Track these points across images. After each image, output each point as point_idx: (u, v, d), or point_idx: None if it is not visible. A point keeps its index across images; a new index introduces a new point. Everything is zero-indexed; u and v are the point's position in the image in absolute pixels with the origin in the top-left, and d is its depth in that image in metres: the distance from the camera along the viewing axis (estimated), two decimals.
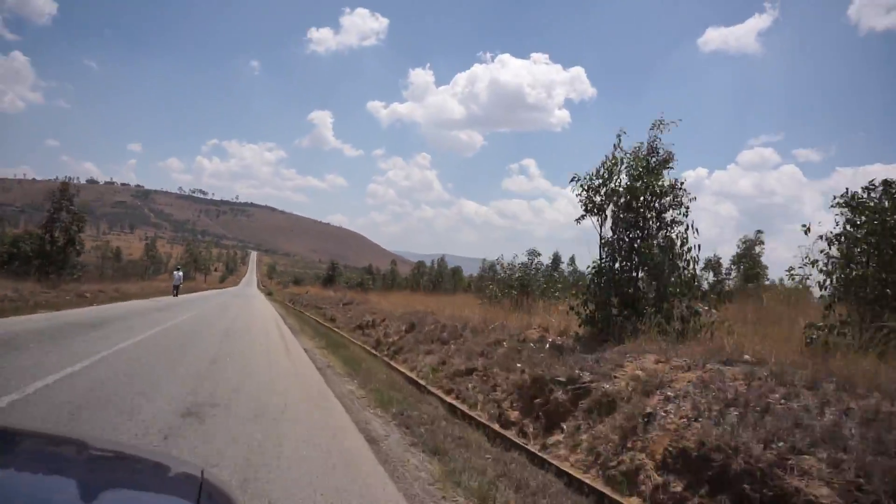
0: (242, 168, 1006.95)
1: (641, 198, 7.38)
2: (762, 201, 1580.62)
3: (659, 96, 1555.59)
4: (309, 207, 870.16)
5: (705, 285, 8.72)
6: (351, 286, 47.20)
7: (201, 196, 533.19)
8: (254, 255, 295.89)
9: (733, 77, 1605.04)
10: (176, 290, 33.27)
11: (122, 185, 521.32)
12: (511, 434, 5.96)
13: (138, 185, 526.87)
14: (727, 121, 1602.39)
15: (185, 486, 1.15)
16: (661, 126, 7.75)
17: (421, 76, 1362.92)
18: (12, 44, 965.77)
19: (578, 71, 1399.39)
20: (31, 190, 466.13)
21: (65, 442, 1.48)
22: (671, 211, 7.48)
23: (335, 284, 59.86)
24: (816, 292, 6.89)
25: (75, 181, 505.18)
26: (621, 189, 7.52)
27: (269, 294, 53.77)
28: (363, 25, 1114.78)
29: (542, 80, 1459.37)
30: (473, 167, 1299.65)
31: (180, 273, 38.15)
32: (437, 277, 53.94)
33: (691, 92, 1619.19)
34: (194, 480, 1.13)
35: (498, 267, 19.32)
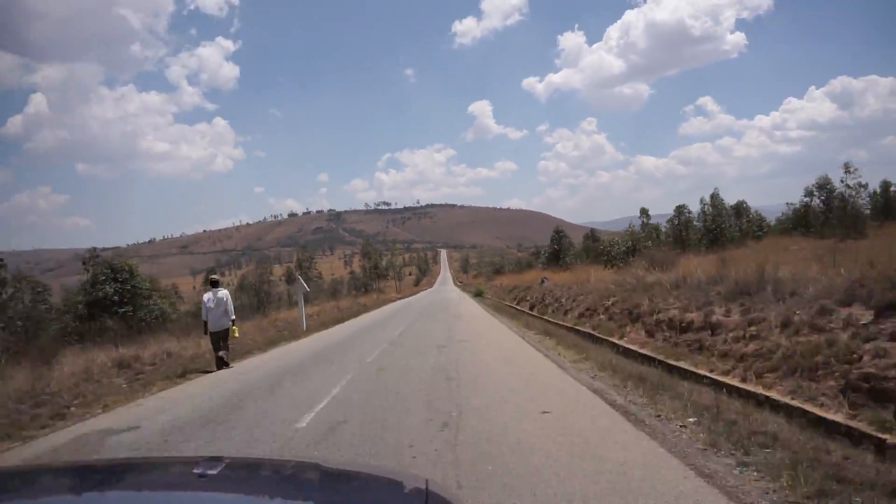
0: (417, 174, 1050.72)
1: None
2: None
3: None
4: (485, 198, 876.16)
5: None
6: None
7: (385, 207, 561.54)
8: (443, 252, 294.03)
9: None
10: (219, 348, 10.42)
11: (318, 212, 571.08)
12: None
13: (330, 210, 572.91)
14: None
15: (412, 498, 1.21)
16: None
17: (571, 39, 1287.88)
18: (213, 112, 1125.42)
19: None
20: (246, 233, 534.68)
21: (299, 466, 1.57)
22: None
23: (558, 262, 42.60)
24: None
25: (280, 217, 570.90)
26: None
27: (477, 295, 37.73)
28: (504, 4, 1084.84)
29: (704, 6, 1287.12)
30: (644, 120, 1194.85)
31: (221, 296, 10.77)
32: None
33: None
34: (420, 492, 1.19)
35: None
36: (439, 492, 1.21)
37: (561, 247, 51.32)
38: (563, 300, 17.06)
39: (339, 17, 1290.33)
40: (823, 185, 41.14)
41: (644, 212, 49.94)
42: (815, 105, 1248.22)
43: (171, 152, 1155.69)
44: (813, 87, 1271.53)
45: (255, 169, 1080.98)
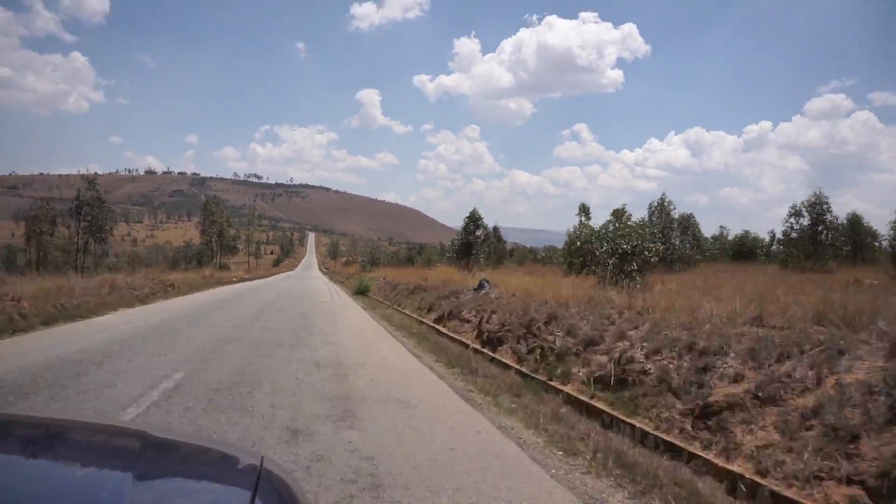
0: (295, 152, 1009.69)
1: None
2: (833, 152, 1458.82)
3: (720, 47, 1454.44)
4: (362, 187, 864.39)
5: None
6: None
7: (256, 180, 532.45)
8: (311, 235, 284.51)
9: (804, 20, 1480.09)
10: None
11: (180, 173, 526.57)
12: None
13: (195, 174, 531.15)
14: (794, 69, 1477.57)
15: (244, 474, 1.15)
16: None
17: (467, 45, 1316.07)
18: (72, 45, 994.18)
19: (630, 28, 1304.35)
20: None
21: (124, 433, 1.52)
22: None
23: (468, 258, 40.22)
24: None
25: (134, 172, 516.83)
26: None
27: (360, 292, 29.35)
28: None
29: (591, 40, 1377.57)
30: (524, 136, 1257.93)
31: None
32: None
33: (755, 39, 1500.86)
34: (252, 468, 1.12)
35: None
36: (274, 469, 1.15)
37: (474, 238, 36.62)
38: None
39: None
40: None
41: (584, 209, 40.12)
42: (672, 149, 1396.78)
43: (13, 79, 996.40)
44: (672, 132, 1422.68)
45: (114, 116, 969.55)
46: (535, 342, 8.08)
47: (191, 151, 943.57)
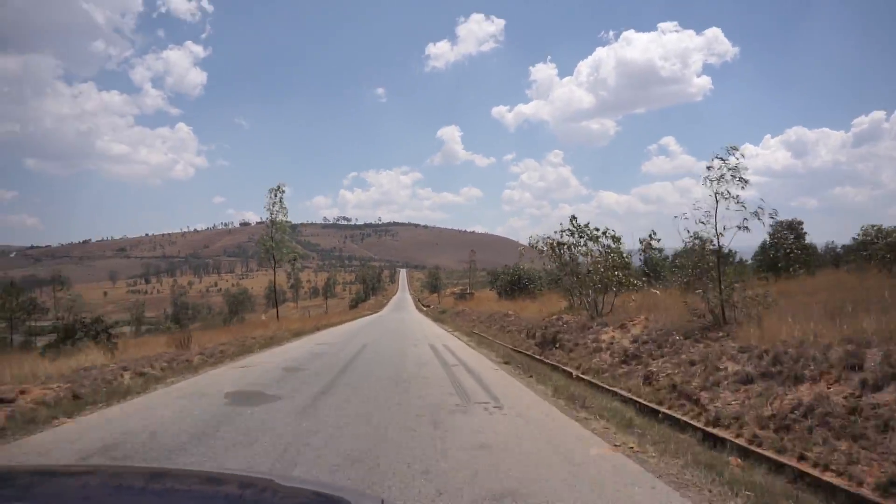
0: (382, 195, 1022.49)
1: None
2: None
3: (816, 37, 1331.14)
4: (449, 222, 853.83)
5: None
6: None
7: (345, 223, 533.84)
8: (403, 272, 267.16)
9: None
10: None
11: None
12: None
13: (286, 221, 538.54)
14: None
15: None
16: None
17: (543, 71, 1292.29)
18: (176, 117, 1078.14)
19: (715, 32, 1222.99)
20: (192, 240, 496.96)
21: (255, 482, 1.54)
22: None
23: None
24: None
25: (230, 225, 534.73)
26: None
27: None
28: (479, 31, 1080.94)
29: (674, 49, 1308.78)
30: (609, 156, 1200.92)
31: None
32: None
33: (856, 23, 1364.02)
34: None
35: None
36: None
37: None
38: None
39: (313, 31, 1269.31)
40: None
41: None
42: (770, 152, 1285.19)
43: (129, 155, 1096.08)
44: (769, 136, 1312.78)
45: (216, 178, 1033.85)
46: None
47: (286, 203, 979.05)
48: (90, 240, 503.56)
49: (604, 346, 9.02)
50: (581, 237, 11.87)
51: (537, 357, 10.68)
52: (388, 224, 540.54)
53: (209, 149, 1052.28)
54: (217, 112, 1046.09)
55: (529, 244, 12.74)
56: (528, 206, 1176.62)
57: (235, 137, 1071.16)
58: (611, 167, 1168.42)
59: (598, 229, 12.08)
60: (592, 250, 11.69)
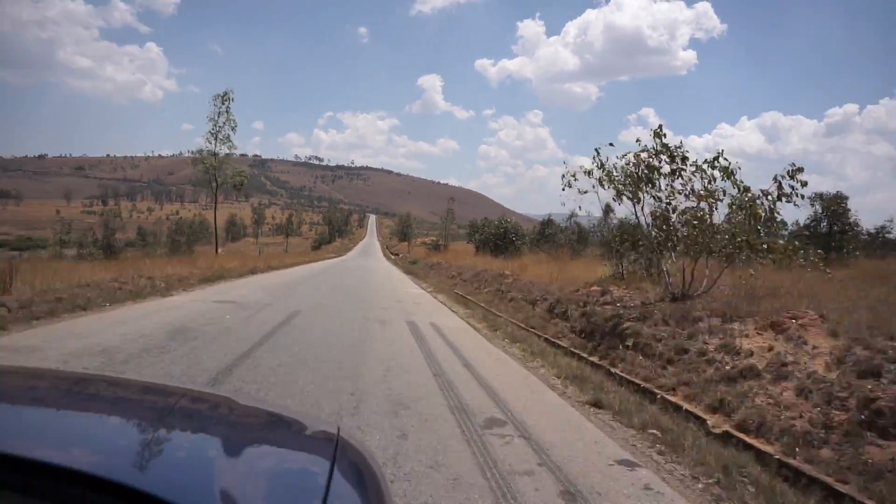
0: (357, 138, 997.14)
1: None
2: None
3: (803, 24, 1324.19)
4: (423, 172, 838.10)
5: None
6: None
7: (317, 162, 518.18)
8: (372, 217, 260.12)
9: None
10: None
11: (241, 155, 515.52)
12: None
13: (256, 155, 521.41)
14: (885, 47, 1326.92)
15: (322, 444, 1.19)
16: None
17: (530, 28, 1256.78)
18: (146, 36, 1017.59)
19: (705, 6, 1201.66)
20: (156, 165, 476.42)
21: (213, 399, 1.56)
22: None
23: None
24: None
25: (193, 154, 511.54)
26: None
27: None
28: None
29: (663, 20, 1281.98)
30: (589, 121, 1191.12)
31: None
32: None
33: (842, 15, 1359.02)
34: (331, 437, 1.16)
35: None
36: (350, 439, 1.20)
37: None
38: None
39: None
40: None
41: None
42: (745, 134, 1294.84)
43: (94, 70, 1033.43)
44: (745, 117, 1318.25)
45: (186, 104, 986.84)
46: None
47: (257, 138, 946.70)
48: (46, 155, 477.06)
49: (761, 365, 4.48)
50: (680, 162, 6.94)
51: (597, 362, 6.10)
52: (361, 168, 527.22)
53: (180, 72, 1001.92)
54: (190, 35, 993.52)
55: (583, 170, 7.71)
56: (503, 163, 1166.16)
57: (209, 63, 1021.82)
58: (589, 133, 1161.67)
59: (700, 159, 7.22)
60: (708, 188, 6.78)
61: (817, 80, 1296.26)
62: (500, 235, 30.77)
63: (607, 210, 21.12)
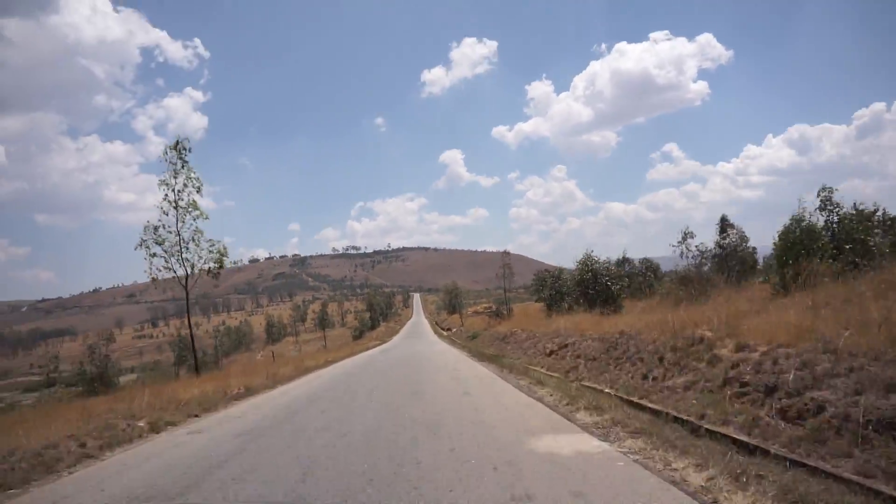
0: (389, 222, 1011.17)
1: None
2: None
3: (810, 34, 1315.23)
4: (459, 244, 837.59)
5: None
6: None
7: (354, 252, 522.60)
8: (416, 296, 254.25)
9: None
10: None
11: (281, 257, 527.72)
12: None
13: (295, 255, 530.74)
14: None
15: None
16: None
17: (539, 88, 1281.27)
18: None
19: (707, 37, 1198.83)
20: (201, 281, 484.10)
21: None
22: None
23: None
24: None
25: (240, 263, 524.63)
26: None
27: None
28: (472, 54, 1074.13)
29: (667, 57, 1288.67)
30: (613, 166, 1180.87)
31: None
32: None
33: (850, 16, 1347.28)
34: None
35: None
36: None
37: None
38: None
39: (309, 69, 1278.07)
40: None
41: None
42: (773, 151, 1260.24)
43: (136, 202, 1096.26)
44: (770, 135, 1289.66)
45: (224, 219, 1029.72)
46: None
47: (295, 239, 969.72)
48: (100, 288, 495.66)
49: None
50: None
51: None
52: (398, 250, 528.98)
53: (215, 190, 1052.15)
54: (220, 154, 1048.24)
55: None
56: (535, 222, 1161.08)
57: (240, 177, 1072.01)
58: (615, 178, 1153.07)
59: None
60: None
61: (837, 84, 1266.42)
62: (588, 282, 23.14)
63: None
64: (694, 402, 5.77)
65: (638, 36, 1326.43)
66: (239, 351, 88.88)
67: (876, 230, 15.31)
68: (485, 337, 24.65)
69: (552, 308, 27.17)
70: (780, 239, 14.29)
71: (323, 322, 73.50)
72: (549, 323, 18.63)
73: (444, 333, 48.41)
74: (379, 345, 40.58)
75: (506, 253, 38.33)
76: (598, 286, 21.16)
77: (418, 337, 49.98)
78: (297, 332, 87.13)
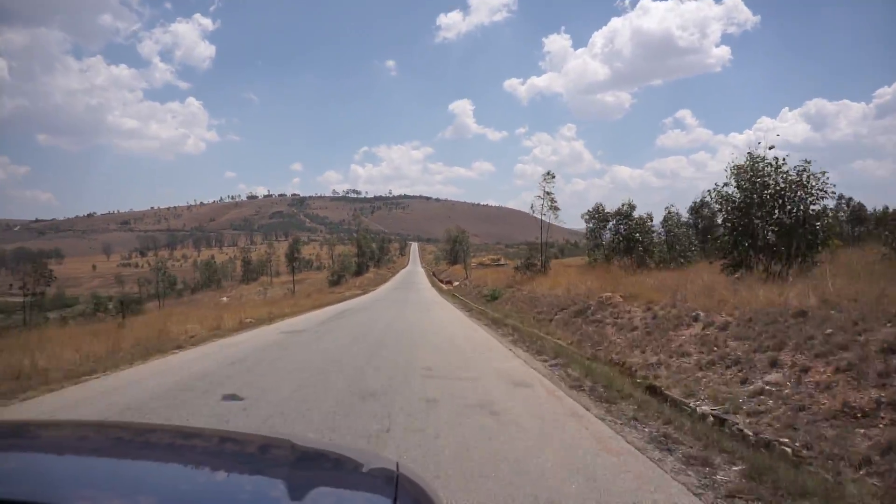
0: (393, 170, 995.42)
1: None
2: None
3: (839, 5, 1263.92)
4: (461, 196, 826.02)
5: None
6: None
7: (355, 196, 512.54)
8: (414, 245, 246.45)
9: None
10: None
11: (279, 195, 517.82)
12: None
13: (294, 194, 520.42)
14: None
15: (381, 482, 1.18)
16: None
17: (557, 42, 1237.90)
18: (186, 91, 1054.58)
19: (734, 0, 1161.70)
20: (198, 213, 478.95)
21: (272, 443, 1.57)
22: None
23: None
24: None
25: (237, 198, 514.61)
26: None
27: None
28: (492, 0, 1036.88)
29: (692, 18, 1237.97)
30: (623, 130, 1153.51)
31: None
32: None
33: None
34: (390, 474, 1.16)
35: None
36: (409, 475, 1.19)
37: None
38: None
39: (322, 2, 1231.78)
40: None
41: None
42: (788, 125, 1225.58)
43: (140, 130, 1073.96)
44: (786, 108, 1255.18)
45: (227, 153, 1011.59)
46: None
47: (297, 179, 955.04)
48: (95, 213, 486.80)
49: None
50: None
51: None
52: (399, 197, 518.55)
53: (220, 123, 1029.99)
54: (227, 86, 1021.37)
55: None
56: (540, 180, 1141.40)
57: (246, 112, 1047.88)
58: (625, 141, 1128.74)
59: None
60: None
61: (860, 61, 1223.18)
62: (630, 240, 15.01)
63: None
64: None
65: None
66: (210, 288, 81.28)
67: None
68: (507, 296, 16.33)
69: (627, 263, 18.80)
70: None
71: (292, 262, 64.24)
72: (625, 283, 10.04)
73: (444, 287, 40.18)
74: (359, 295, 32.24)
75: (549, 175, 29.07)
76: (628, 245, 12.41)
77: (411, 287, 41.45)
78: (271, 273, 79.67)
